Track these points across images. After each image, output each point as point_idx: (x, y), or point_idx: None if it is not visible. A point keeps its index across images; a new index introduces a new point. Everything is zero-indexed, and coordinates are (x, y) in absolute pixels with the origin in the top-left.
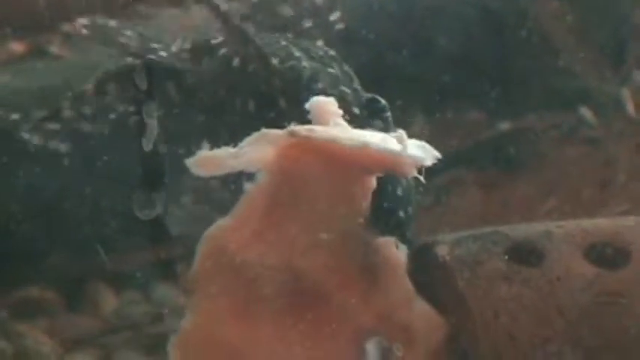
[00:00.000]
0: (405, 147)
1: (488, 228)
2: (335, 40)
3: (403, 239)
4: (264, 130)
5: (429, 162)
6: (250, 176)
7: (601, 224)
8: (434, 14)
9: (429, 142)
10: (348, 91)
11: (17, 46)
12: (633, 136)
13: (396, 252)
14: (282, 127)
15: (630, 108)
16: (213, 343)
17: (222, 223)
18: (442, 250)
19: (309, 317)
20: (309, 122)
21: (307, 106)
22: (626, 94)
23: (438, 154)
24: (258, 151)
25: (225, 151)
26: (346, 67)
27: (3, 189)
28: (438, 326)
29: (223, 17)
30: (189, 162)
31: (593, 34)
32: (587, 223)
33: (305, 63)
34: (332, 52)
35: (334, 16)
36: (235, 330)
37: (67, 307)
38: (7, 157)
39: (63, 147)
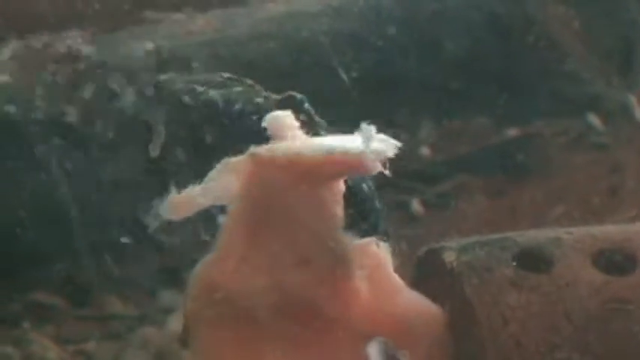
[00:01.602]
0: (370, 141)
1: (496, 234)
2: (342, 46)
3: (380, 233)
4: (225, 160)
5: (390, 153)
6: (223, 209)
7: (609, 230)
8: (440, 19)
9: (436, 148)
10: (260, 100)
11: None
12: None
13: (377, 251)
14: (221, 157)
15: (638, 114)
16: None
17: (206, 259)
18: (449, 257)
19: (307, 335)
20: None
21: (264, 123)
22: (633, 99)
23: (397, 143)
24: (223, 182)
25: (193, 190)
26: (246, 82)
27: (9, 194)
28: (434, 316)
29: None
30: (161, 209)
31: (600, 40)
32: (595, 229)
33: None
34: (226, 74)
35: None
36: None
37: (74, 312)
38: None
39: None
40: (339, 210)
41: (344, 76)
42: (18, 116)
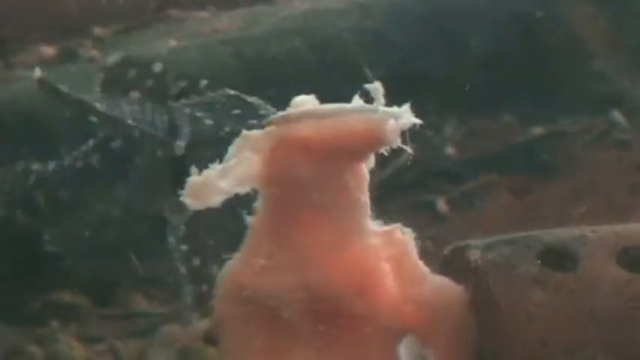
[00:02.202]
0: (378, 101)
1: (521, 232)
2: (367, 44)
3: None
4: (243, 134)
5: (407, 120)
6: (249, 208)
7: (634, 228)
8: (466, 17)
9: (461, 145)
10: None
11: (47, 50)
12: None
13: (403, 238)
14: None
15: None
16: None
17: (233, 261)
18: (474, 255)
19: (335, 333)
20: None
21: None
22: None
23: (411, 116)
24: (244, 164)
25: (212, 170)
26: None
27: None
28: (458, 298)
29: None
30: (183, 196)
31: (626, 39)
32: (620, 227)
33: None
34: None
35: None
36: None
37: (97, 311)
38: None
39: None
40: (363, 197)
41: (369, 74)
42: None
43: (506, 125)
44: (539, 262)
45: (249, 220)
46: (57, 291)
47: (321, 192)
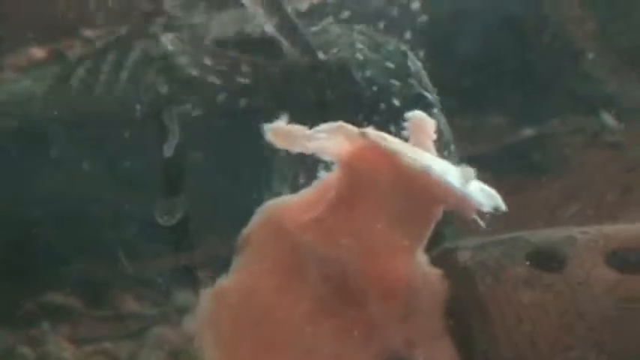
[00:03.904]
0: (465, 185)
1: (510, 233)
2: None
3: None
4: (340, 123)
5: (487, 209)
6: (327, 165)
7: (623, 229)
8: (455, 19)
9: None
10: (397, 84)
11: (37, 52)
12: None
13: (440, 287)
14: (326, 118)
15: None
16: (248, 303)
17: (287, 199)
18: (464, 256)
19: (343, 316)
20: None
21: (408, 116)
22: None
23: (502, 205)
24: (333, 141)
25: (300, 129)
26: (412, 63)
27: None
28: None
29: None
30: (267, 127)
31: (615, 40)
32: (609, 228)
33: (360, 54)
34: (402, 47)
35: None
36: (272, 298)
37: (89, 312)
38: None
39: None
40: (425, 232)
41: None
42: None
43: (495, 126)
44: (528, 263)
45: (321, 175)
46: (49, 292)
47: (390, 203)
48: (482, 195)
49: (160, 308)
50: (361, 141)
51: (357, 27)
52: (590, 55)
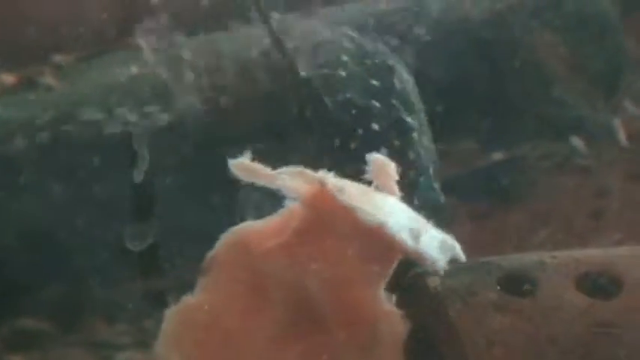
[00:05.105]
0: (417, 241)
1: (480, 258)
2: None
3: None
4: (301, 169)
5: (441, 264)
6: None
7: (594, 254)
8: (426, 45)
9: None
10: (377, 105)
11: (7, 78)
12: (625, 166)
13: (401, 327)
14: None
15: (622, 137)
16: (212, 325)
17: (254, 224)
18: (434, 281)
19: (307, 341)
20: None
21: (368, 159)
22: (617, 123)
23: (462, 256)
24: (293, 181)
25: (262, 168)
26: (399, 79)
27: None
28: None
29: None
30: (230, 162)
31: (586, 65)
32: (579, 253)
33: (342, 72)
34: (390, 62)
35: None
36: (235, 319)
37: (61, 338)
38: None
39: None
40: (385, 273)
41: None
42: None
43: (466, 151)
44: (498, 288)
45: (288, 204)
46: (19, 317)
47: (351, 242)
48: (439, 249)
49: (131, 333)
50: (318, 188)
51: (348, 32)
52: (561, 80)
